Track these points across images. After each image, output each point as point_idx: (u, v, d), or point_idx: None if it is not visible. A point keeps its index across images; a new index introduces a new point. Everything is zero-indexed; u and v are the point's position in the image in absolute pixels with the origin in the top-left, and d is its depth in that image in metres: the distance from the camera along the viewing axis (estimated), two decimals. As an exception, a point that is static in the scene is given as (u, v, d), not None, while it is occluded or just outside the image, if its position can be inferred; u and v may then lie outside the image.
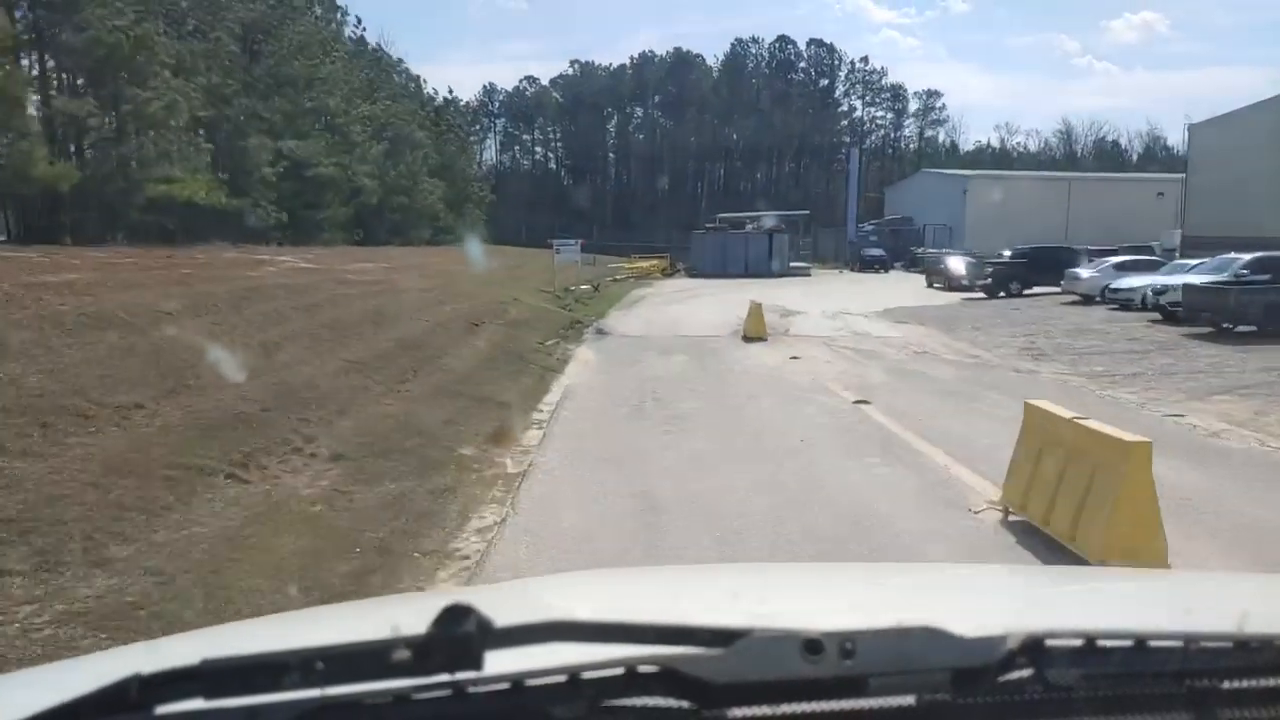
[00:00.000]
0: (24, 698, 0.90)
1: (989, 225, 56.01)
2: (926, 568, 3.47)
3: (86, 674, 0.94)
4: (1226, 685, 0.91)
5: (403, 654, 0.77)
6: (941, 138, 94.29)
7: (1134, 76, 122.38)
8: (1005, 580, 2.05)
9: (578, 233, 60.38)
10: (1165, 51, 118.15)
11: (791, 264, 45.96)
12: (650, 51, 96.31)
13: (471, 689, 0.82)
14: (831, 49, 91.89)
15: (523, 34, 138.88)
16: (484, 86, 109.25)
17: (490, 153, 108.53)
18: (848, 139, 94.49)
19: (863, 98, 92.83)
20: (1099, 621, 1.06)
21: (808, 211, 54.78)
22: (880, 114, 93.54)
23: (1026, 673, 0.87)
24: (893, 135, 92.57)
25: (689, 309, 28.35)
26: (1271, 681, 0.91)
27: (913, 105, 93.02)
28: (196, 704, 0.77)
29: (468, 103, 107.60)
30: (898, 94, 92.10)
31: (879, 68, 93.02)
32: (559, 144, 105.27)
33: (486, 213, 61.41)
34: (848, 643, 0.84)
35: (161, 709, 0.79)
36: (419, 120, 45.53)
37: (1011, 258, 31.55)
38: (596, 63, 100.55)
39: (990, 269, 31.07)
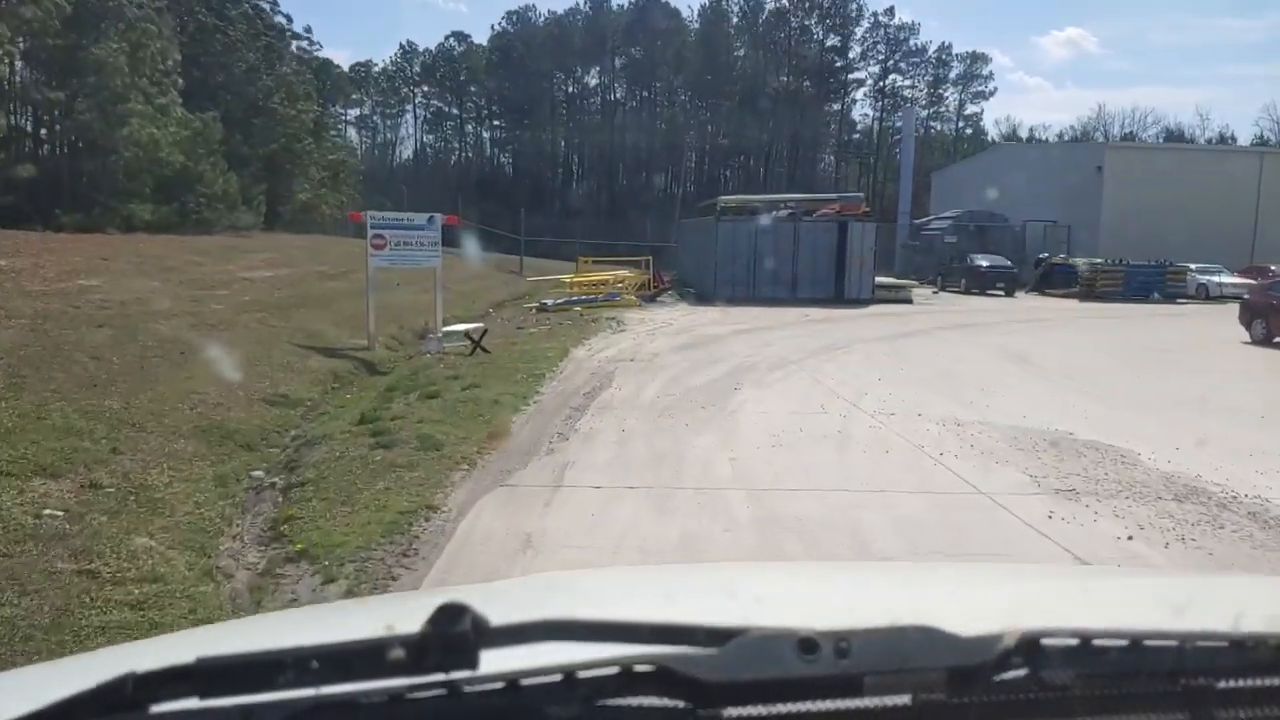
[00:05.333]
0: (18, 696, 0.90)
1: (1133, 219, 35.88)
2: (923, 566, 3.18)
3: (81, 672, 0.93)
4: (1222, 684, 0.89)
5: (398, 653, 0.76)
6: (986, 115, 74.62)
7: (1066, 93, 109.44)
8: (1001, 579, 1.97)
9: (531, 228, 39.55)
10: (1097, 69, 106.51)
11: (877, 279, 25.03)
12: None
13: (466, 688, 0.80)
14: (846, -3, 70.97)
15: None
16: (402, 45, 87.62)
17: (409, 128, 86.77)
18: (872, 112, 73.78)
19: (884, 62, 72.24)
20: (1094, 620, 1.00)
21: (862, 195, 33.83)
22: (906, 83, 73.06)
23: (1022, 672, 0.85)
24: (927, 110, 71.67)
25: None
26: (1267, 681, 0.89)
27: (953, 71, 72.61)
28: (191, 703, 0.76)
29: (382, 68, 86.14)
30: (940, 60, 71.03)
31: (909, 22, 71.98)
32: (496, 120, 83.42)
33: (358, 191, 39.62)
34: (843, 642, 0.82)
35: (156, 708, 0.77)
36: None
37: None
38: (537, 9, 78.76)
39: None
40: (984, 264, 30.75)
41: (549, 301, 21.07)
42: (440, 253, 13.64)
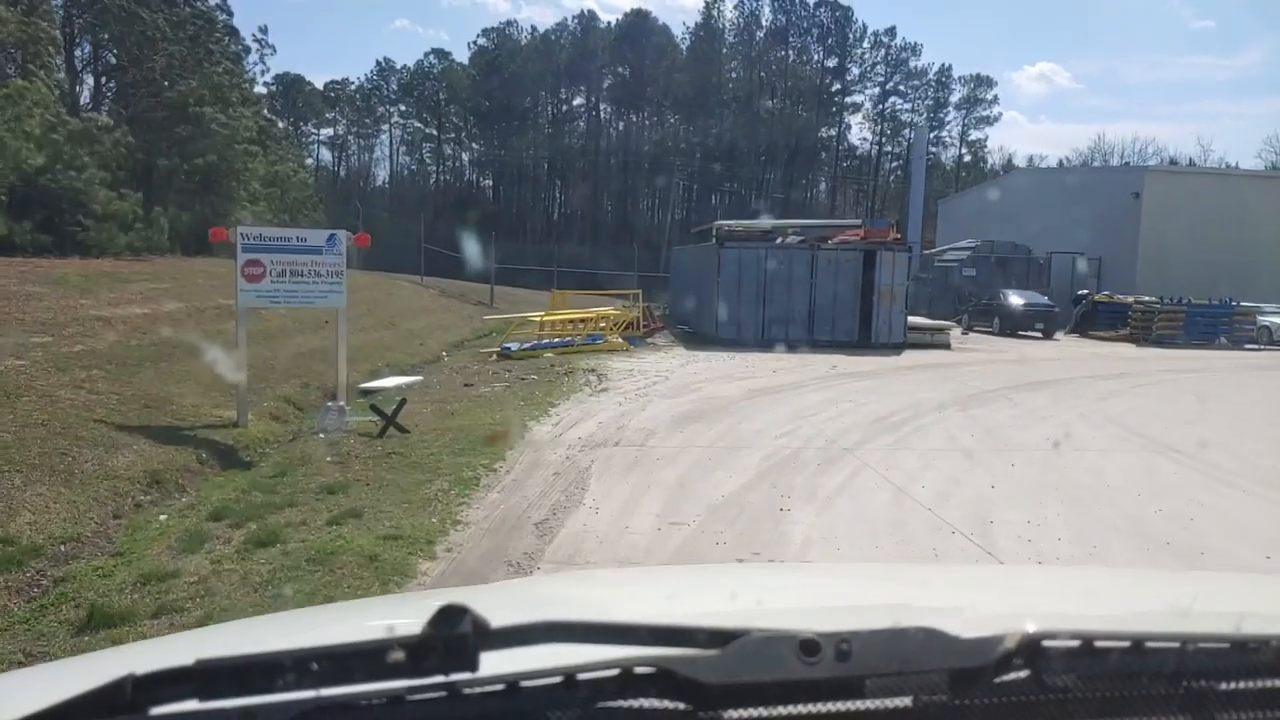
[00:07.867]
0: (17, 698, 0.88)
1: (1175, 252, 32.37)
2: (924, 568, 3.13)
3: (80, 674, 0.90)
4: (1224, 686, 0.88)
5: (398, 655, 0.76)
6: (990, 142, 71.12)
7: (1058, 126, 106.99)
8: (1002, 580, 1.94)
9: (509, 255, 35.91)
10: (1084, 105, 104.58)
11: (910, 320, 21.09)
12: (589, 12, 71.00)
13: (466, 690, 0.79)
14: (847, 14, 67.46)
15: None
16: (379, 62, 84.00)
17: (384, 149, 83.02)
18: (870, 136, 70.29)
19: (883, 84, 68.75)
20: (1096, 622, 1.02)
21: (889, 222, 30.03)
22: (906, 105, 69.63)
23: (1023, 674, 0.85)
24: (928, 135, 67.90)
25: None
26: (1269, 682, 0.88)
27: (955, 95, 69.19)
28: (191, 705, 0.76)
29: (358, 86, 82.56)
30: (940, 83, 67.55)
31: (911, 43, 68.47)
32: (475, 142, 79.54)
33: (319, 212, 35.44)
34: (844, 644, 0.82)
35: (156, 710, 0.76)
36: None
37: None
38: (518, 24, 75.45)
39: None
40: (1019, 302, 26.92)
41: (512, 345, 16.98)
42: (344, 286, 9.57)
